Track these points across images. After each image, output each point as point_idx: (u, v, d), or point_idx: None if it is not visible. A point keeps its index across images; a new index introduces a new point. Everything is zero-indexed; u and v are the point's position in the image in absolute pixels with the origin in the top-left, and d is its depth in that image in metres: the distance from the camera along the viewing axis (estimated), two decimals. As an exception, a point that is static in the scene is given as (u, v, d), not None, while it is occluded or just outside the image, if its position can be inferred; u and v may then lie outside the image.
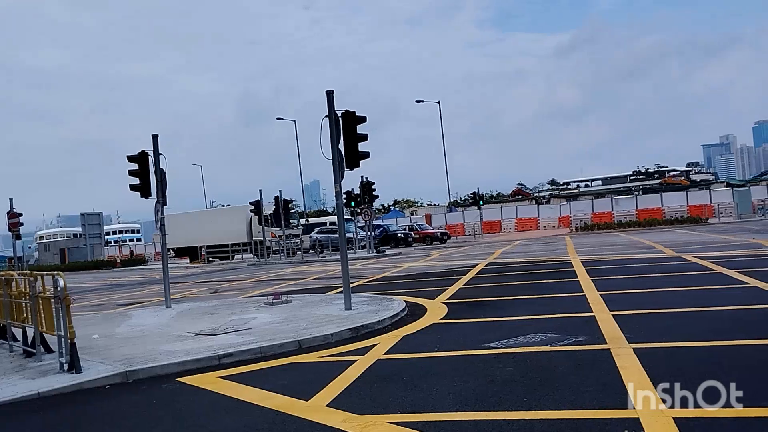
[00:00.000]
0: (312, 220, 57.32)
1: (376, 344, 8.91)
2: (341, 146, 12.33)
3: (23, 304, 9.61)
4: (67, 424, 6.41)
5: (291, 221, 41.81)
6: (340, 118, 12.34)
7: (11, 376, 8.29)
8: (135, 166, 15.36)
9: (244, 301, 16.02)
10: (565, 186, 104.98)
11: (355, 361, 7.88)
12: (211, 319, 12.23)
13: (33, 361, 8.99)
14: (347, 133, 12.39)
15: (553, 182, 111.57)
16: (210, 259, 45.35)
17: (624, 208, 52.98)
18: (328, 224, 49.75)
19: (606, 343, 7.62)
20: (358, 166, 12.47)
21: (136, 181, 15.39)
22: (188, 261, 48.02)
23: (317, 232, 45.70)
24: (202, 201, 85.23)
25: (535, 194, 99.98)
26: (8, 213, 29.79)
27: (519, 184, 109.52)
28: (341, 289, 13.12)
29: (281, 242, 40.04)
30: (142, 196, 15.27)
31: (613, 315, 9.48)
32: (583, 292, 12.44)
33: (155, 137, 14.98)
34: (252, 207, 39.94)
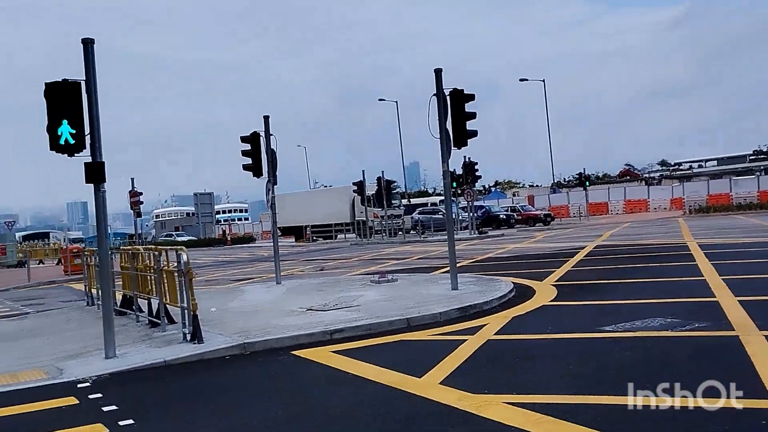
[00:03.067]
0: (413, 201, 57.43)
1: (485, 324, 8.82)
2: (449, 125, 12.21)
3: (148, 277, 10.22)
4: (194, 389, 6.76)
5: (393, 202, 42.09)
6: (447, 97, 12.21)
7: (139, 344, 8.84)
8: (248, 147, 15.83)
9: (350, 278, 16.31)
10: (677, 167, 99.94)
11: (465, 340, 7.84)
12: (320, 296, 12.53)
13: (158, 331, 9.54)
14: (455, 112, 12.22)
15: (663, 163, 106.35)
16: (314, 238, 46.46)
17: (744, 190, 49.65)
18: (429, 205, 49.72)
19: (733, 330, 7.19)
20: (466, 144, 12.30)
21: (248, 161, 15.86)
22: (293, 240, 49.44)
23: (418, 213, 45.78)
24: (305, 182, 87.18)
25: (645, 175, 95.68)
26: (130, 192, 31.75)
27: (627, 164, 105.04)
28: (446, 269, 13.10)
29: (383, 222, 40.42)
30: (254, 176, 15.71)
31: (739, 300, 8.93)
32: (702, 276, 11.80)
33: (266, 118, 15.40)
34: (355, 188, 40.51)
